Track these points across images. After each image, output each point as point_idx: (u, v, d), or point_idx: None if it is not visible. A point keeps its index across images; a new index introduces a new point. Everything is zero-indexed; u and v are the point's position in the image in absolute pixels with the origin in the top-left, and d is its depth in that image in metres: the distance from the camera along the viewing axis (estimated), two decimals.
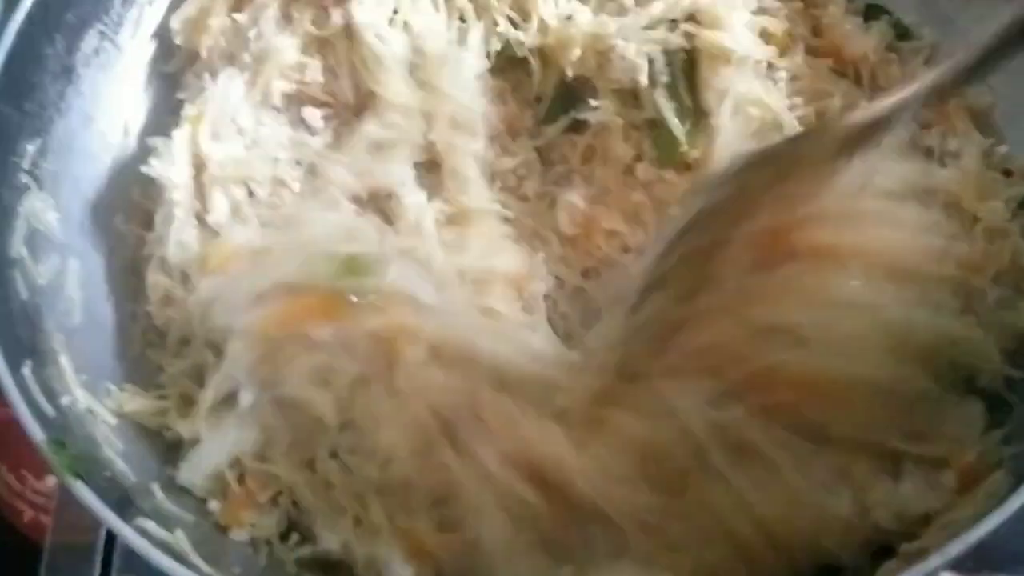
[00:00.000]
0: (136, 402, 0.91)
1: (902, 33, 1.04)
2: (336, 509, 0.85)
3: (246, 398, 0.86)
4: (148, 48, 1.08)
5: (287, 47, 1.00)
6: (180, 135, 0.99)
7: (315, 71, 1.01)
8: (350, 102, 1.02)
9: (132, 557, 0.98)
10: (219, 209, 0.97)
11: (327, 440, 0.86)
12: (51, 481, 1.29)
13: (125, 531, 0.74)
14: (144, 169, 0.99)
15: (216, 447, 0.87)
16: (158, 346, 0.97)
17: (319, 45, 1.02)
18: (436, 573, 0.82)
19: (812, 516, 0.76)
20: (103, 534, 1.00)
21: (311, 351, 0.85)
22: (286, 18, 1.02)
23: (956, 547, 0.68)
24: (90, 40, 1.03)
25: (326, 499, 0.86)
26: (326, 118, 1.03)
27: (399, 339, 0.84)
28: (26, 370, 0.83)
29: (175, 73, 1.08)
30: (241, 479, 0.87)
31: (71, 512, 1.04)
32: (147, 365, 0.96)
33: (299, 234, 0.93)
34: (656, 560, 0.77)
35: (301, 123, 1.02)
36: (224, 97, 1.00)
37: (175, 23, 1.07)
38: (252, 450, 0.86)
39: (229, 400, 0.87)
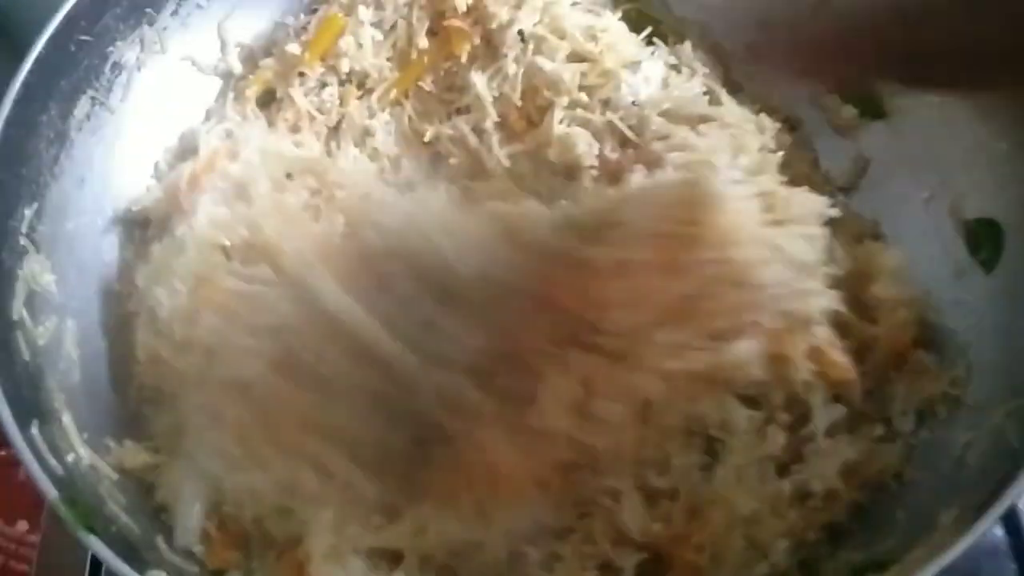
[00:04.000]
0: (137, 458, 0.95)
1: None
2: None
3: None
4: (138, 109, 1.13)
5: None
6: None
7: None
8: None
9: None
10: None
11: None
12: (22, 527, 1.31)
13: None
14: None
15: (189, 504, 0.91)
16: (153, 402, 1.01)
17: None
18: None
19: None
20: None
21: None
22: None
23: None
24: (82, 106, 1.07)
25: None
26: None
27: None
28: (34, 429, 0.87)
29: None
30: (221, 524, 0.91)
31: (52, 559, 1.07)
32: (143, 421, 1.00)
33: None
34: None
35: None
36: None
37: None
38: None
39: None
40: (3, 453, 1.27)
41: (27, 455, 0.83)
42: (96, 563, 1.05)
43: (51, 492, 0.82)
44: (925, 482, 0.88)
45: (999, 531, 0.99)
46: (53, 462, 0.86)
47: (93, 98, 1.08)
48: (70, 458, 0.89)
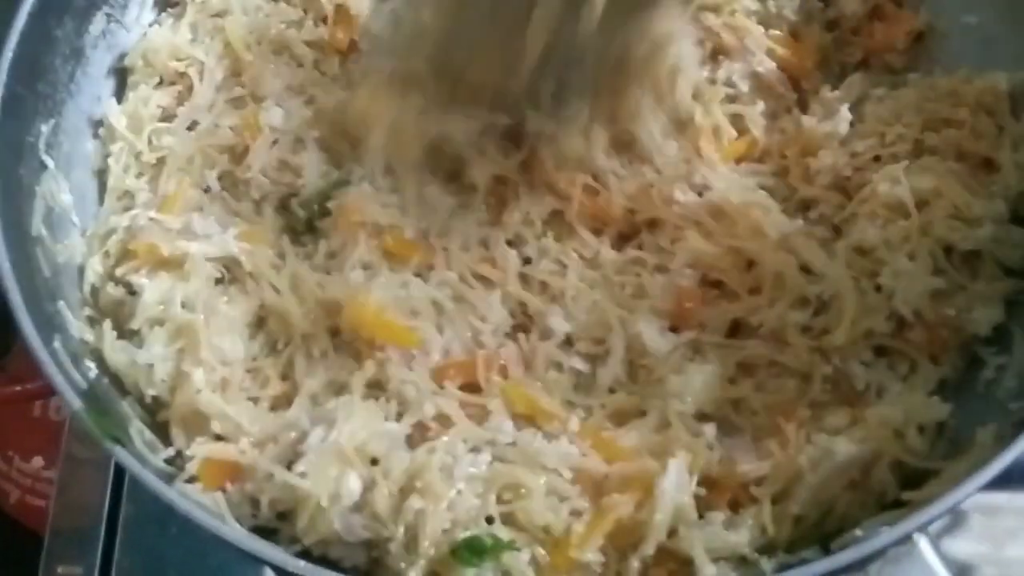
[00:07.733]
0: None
1: None
2: None
3: None
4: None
5: None
6: None
7: None
8: None
9: (132, 540, 1.02)
10: None
11: None
12: (38, 462, 1.31)
13: (170, 494, 0.76)
14: None
15: None
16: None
17: None
18: None
19: None
20: (104, 516, 1.03)
21: None
22: None
23: None
24: (98, 22, 1.05)
25: None
26: None
27: None
28: (57, 344, 0.85)
29: None
30: None
31: (72, 495, 1.07)
32: None
33: None
34: None
35: None
36: None
37: None
38: None
39: None
40: (18, 388, 1.27)
41: (50, 368, 0.81)
42: (115, 499, 1.04)
43: (75, 402, 0.81)
44: (960, 404, 0.86)
45: None
46: (76, 375, 0.85)
47: (108, 15, 1.06)
48: (92, 374, 0.88)
